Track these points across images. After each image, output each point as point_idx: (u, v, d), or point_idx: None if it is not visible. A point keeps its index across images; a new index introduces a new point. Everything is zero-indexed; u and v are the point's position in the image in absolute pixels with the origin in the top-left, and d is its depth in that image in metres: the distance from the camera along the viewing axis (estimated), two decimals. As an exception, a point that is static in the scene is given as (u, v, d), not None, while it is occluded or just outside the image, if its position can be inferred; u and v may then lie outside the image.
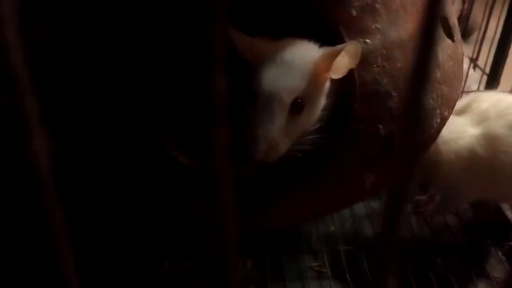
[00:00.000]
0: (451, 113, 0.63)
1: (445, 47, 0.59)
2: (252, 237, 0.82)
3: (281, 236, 0.84)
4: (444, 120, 0.61)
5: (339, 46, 0.51)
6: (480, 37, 1.09)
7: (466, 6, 1.19)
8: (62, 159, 0.91)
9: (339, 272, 0.77)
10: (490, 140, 0.73)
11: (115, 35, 0.53)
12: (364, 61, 0.52)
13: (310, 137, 0.54)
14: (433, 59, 0.17)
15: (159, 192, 0.59)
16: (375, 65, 0.53)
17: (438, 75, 0.57)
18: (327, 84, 0.56)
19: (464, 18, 1.19)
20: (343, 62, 0.51)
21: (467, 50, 1.15)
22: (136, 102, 0.54)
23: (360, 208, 0.89)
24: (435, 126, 0.60)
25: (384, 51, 0.53)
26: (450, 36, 0.60)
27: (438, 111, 0.59)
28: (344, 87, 0.55)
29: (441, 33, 0.58)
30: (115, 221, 0.83)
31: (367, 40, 0.52)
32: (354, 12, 0.53)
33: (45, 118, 0.52)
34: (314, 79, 0.53)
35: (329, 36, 0.54)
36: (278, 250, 0.81)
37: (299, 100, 0.52)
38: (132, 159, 0.57)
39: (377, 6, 0.53)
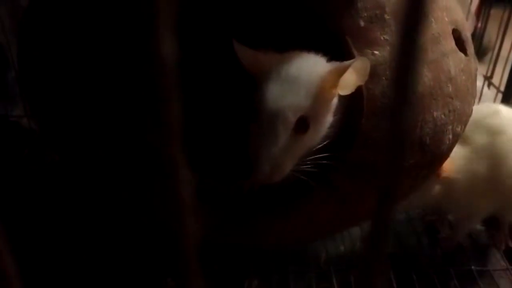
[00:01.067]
0: (464, 129, 0.61)
1: (457, 61, 0.57)
2: (258, 255, 0.80)
3: (288, 255, 0.81)
4: (456, 136, 0.59)
5: (347, 62, 0.49)
6: (494, 55, 1.07)
7: (480, 25, 1.17)
8: (64, 171, 0.92)
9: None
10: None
11: (113, 40, 0.52)
12: (373, 73, 0.50)
13: (315, 157, 0.52)
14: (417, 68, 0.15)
15: (156, 204, 0.57)
16: (384, 78, 0.51)
17: (450, 89, 0.55)
18: (335, 100, 0.53)
19: (478, 37, 1.18)
20: (351, 78, 0.49)
21: (482, 69, 1.13)
22: (134, 111, 0.53)
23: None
24: (447, 142, 0.58)
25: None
26: (463, 49, 0.59)
27: (450, 127, 0.57)
28: (351, 101, 0.53)
29: (453, 45, 0.56)
30: (118, 237, 0.81)
31: (376, 52, 0.51)
32: (362, 23, 0.51)
33: (42, 127, 0.52)
34: (320, 96, 0.50)
35: (336, 47, 0.53)
36: (285, 269, 0.79)
37: (305, 119, 0.50)
38: (128, 170, 0.56)
39: (386, 17, 0.51)
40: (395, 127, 0.16)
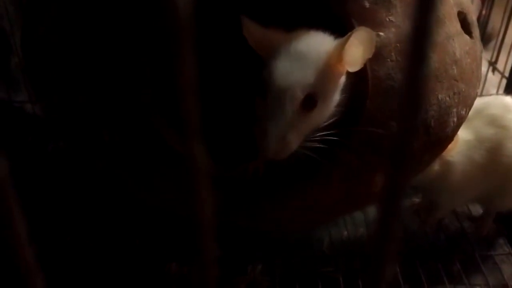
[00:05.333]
0: (469, 112, 0.61)
1: (463, 43, 0.56)
2: (262, 240, 0.81)
3: (292, 240, 0.82)
4: (461, 119, 0.59)
5: (348, 34, 0.48)
6: (499, 41, 1.07)
7: (484, 12, 1.17)
8: (68, 157, 0.92)
9: (352, 278, 0.75)
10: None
11: (123, 27, 0.52)
12: (378, 55, 0.50)
13: (321, 133, 0.52)
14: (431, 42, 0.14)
15: (162, 189, 0.57)
16: (388, 60, 0.51)
17: (455, 72, 0.55)
18: (342, 79, 0.53)
19: (483, 24, 1.17)
20: (357, 51, 0.48)
21: (486, 55, 1.13)
22: (141, 96, 0.53)
23: (374, 213, 0.87)
24: (452, 125, 0.58)
25: (398, 45, 0.51)
26: (468, 32, 0.58)
27: (454, 110, 0.57)
28: (357, 82, 0.53)
29: (458, 28, 0.56)
30: (122, 221, 0.82)
31: (381, 33, 0.50)
32: (367, 4, 0.51)
33: (49, 111, 0.52)
34: (328, 73, 0.51)
35: (342, 29, 0.52)
36: (289, 254, 0.79)
37: (312, 96, 0.50)
38: (135, 154, 0.56)
39: (392, -3, 0.51)
40: (405, 113, 0.16)
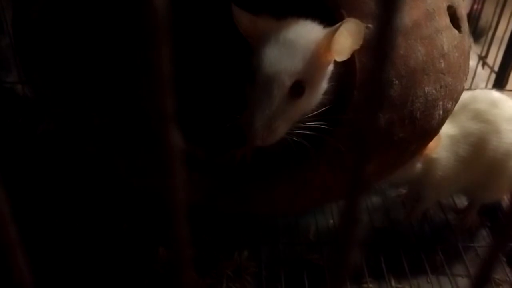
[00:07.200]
0: (455, 105, 0.62)
1: (451, 38, 0.57)
2: (248, 226, 0.82)
3: (278, 227, 0.83)
4: (447, 112, 0.60)
5: (338, 24, 0.49)
6: (490, 35, 1.07)
7: (477, 6, 1.17)
8: (58, 139, 0.92)
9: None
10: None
11: (109, 12, 0.52)
12: (366, 46, 0.50)
13: (309, 123, 0.53)
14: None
15: (149, 172, 0.58)
16: (377, 51, 0.52)
17: (443, 65, 0.56)
18: (330, 67, 0.54)
19: (475, 19, 1.17)
20: (345, 42, 0.49)
21: (477, 50, 1.14)
22: (131, 80, 0.53)
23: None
24: (437, 118, 0.58)
25: (387, 37, 0.52)
26: (457, 26, 0.59)
27: (440, 103, 0.57)
28: (346, 73, 0.54)
29: (447, 22, 0.57)
30: (111, 206, 0.82)
31: (370, 25, 0.51)
32: (357, -4, 0.51)
33: (37, 93, 0.51)
34: (316, 61, 0.51)
35: (332, 21, 0.53)
36: (275, 240, 0.80)
37: (300, 83, 0.50)
38: (124, 137, 0.56)
39: (382, -11, 0.51)
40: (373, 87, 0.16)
